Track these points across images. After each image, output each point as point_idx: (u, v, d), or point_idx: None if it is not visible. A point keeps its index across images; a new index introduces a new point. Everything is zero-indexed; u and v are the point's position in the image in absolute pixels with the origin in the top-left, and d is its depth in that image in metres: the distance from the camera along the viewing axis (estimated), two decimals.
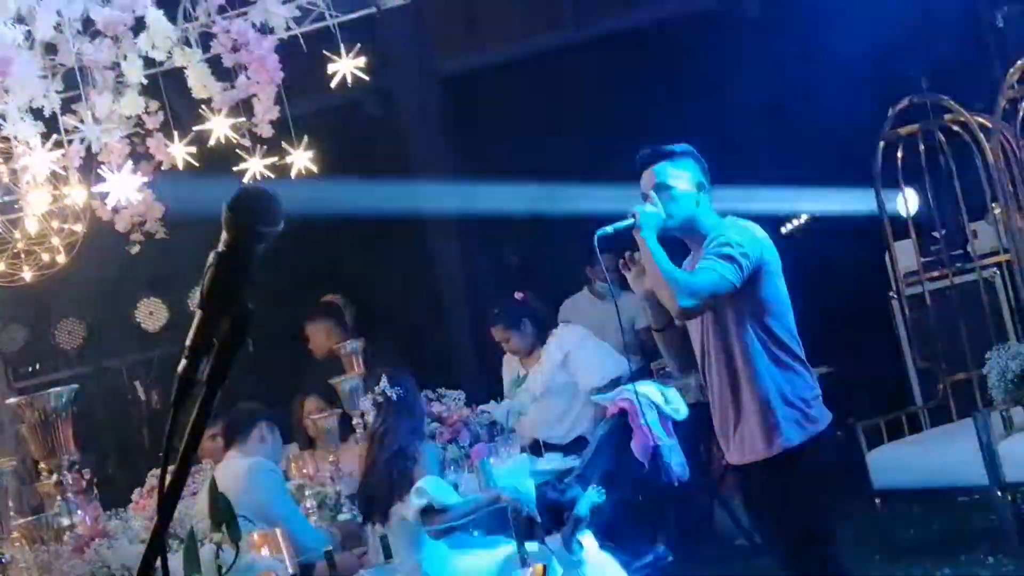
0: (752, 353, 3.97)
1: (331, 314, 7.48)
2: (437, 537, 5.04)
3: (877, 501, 6.48)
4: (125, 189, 4.98)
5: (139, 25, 4.93)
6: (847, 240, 8.57)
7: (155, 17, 4.85)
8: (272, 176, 5.58)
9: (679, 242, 4.16)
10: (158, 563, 1.47)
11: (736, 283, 3.87)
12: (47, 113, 4.89)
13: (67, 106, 5.11)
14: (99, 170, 5.20)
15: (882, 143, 6.85)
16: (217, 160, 5.54)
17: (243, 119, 5.39)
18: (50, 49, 4.97)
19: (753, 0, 9.04)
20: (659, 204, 4.03)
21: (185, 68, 5.19)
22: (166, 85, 5.46)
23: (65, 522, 4.31)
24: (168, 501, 1.48)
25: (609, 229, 3.96)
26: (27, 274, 6.06)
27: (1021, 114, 6.39)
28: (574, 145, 9.15)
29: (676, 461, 6.07)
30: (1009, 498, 5.94)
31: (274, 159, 5.57)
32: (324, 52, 5.28)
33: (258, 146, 5.52)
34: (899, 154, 6.84)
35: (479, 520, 5.24)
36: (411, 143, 9.43)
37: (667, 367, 6.42)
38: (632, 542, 6.64)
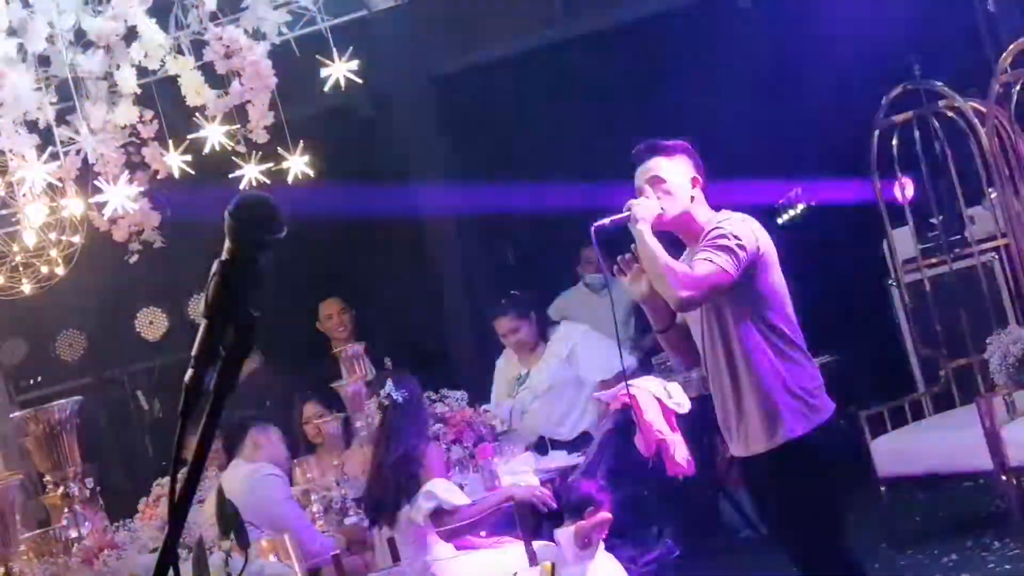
0: (752, 345, 3.97)
1: None
2: (447, 539, 5.04)
3: (882, 489, 6.47)
4: (122, 199, 4.98)
5: (131, 34, 4.93)
6: (845, 229, 8.57)
7: (147, 26, 4.85)
8: (268, 182, 5.58)
9: (675, 241, 4.16)
10: (171, 573, 1.47)
11: (734, 274, 3.87)
12: (42, 125, 4.89)
13: (62, 118, 5.12)
14: (95, 181, 5.20)
15: (877, 131, 6.85)
16: (213, 167, 5.54)
17: (238, 126, 5.39)
18: (43, 61, 4.96)
19: None
20: (653, 198, 4.03)
21: (178, 76, 5.18)
22: (160, 94, 5.47)
23: (73, 534, 4.31)
24: (179, 511, 1.48)
25: (606, 221, 3.97)
26: (26, 287, 6.07)
27: (1015, 98, 6.38)
28: (569, 142, 9.15)
29: (680, 455, 6.08)
30: (1014, 482, 5.94)
31: (270, 164, 5.57)
32: (317, 56, 5.28)
33: (253, 152, 5.52)
34: (894, 142, 6.84)
35: (485, 520, 5.24)
36: (405, 144, 9.42)
37: (669, 361, 6.45)
38: (638, 537, 6.65)
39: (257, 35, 5.28)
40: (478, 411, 6.41)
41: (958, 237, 7.23)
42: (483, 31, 9.20)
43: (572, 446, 6.54)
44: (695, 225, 4.07)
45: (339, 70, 5.24)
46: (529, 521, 5.16)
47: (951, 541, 6.27)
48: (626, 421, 5.98)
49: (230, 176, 5.51)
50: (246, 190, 5.27)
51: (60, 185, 5.36)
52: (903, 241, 7.15)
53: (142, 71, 5.08)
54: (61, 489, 4.44)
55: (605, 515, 4.75)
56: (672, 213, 4.05)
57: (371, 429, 5.95)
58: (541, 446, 6.66)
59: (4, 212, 5.87)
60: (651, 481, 6.79)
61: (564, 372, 6.78)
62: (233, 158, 5.48)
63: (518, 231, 9.83)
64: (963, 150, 6.70)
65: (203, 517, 4.92)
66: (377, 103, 9.32)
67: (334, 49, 5.28)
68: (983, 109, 6.46)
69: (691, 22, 8.79)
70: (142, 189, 5.58)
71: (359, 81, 5.33)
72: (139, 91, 5.16)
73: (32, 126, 4.89)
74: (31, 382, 9.17)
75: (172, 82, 5.25)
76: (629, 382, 5.84)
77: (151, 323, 9.31)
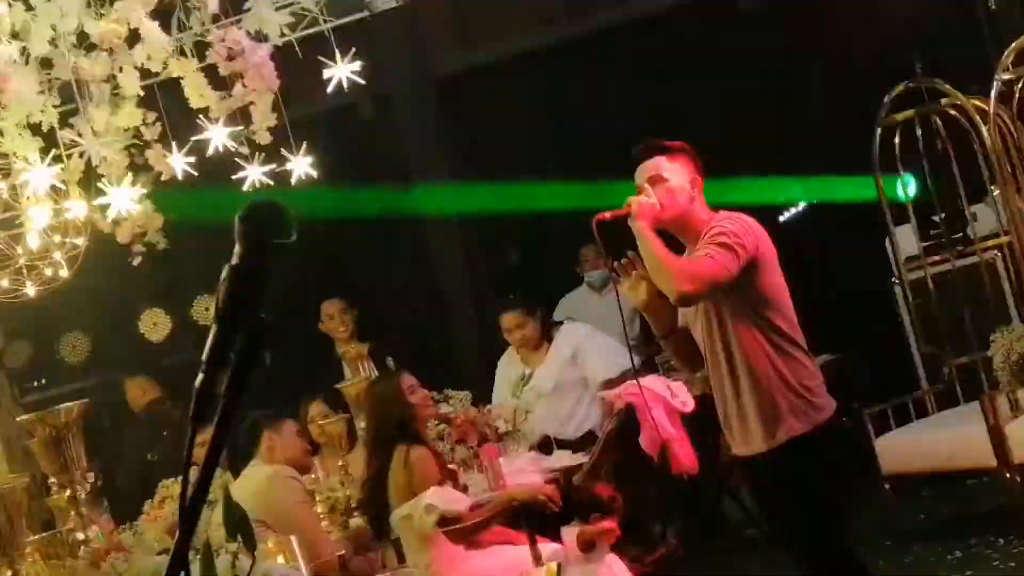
0: (752, 344, 3.98)
1: None
2: (456, 542, 5.04)
3: (886, 487, 6.48)
4: (125, 201, 4.99)
5: (134, 37, 4.93)
6: (847, 227, 8.57)
7: (150, 28, 4.85)
8: (272, 183, 5.58)
9: (674, 243, 4.16)
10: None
11: (733, 271, 3.89)
12: (45, 128, 4.89)
13: (65, 120, 5.11)
14: (99, 183, 5.20)
15: (879, 129, 6.85)
16: (216, 169, 5.54)
17: (241, 127, 5.39)
18: (46, 64, 4.96)
19: None
20: (653, 196, 4.05)
21: (181, 78, 5.18)
22: (163, 96, 5.47)
23: (80, 537, 4.32)
24: (190, 515, 1.49)
25: (607, 215, 3.98)
26: (30, 289, 6.07)
27: (1017, 96, 6.38)
28: (571, 142, 9.15)
29: (684, 454, 6.09)
30: (1018, 479, 5.94)
31: (273, 166, 5.57)
32: (319, 58, 5.28)
33: (257, 154, 5.52)
34: (897, 139, 6.84)
35: (491, 521, 5.24)
36: (407, 144, 9.43)
37: (673, 360, 6.46)
38: (643, 535, 6.66)
39: (260, 36, 5.27)
40: (482, 411, 6.42)
41: (961, 235, 7.24)
42: (485, 32, 9.20)
43: (577, 445, 6.54)
44: (694, 225, 4.09)
45: (342, 71, 5.24)
46: (534, 522, 5.15)
47: (956, 538, 6.28)
48: (631, 420, 5.98)
49: (233, 178, 5.51)
50: (257, 195, 5.27)
51: (63, 188, 5.36)
52: (906, 239, 7.15)
53: (145, 73, 5.08)
54: (67, 491, 4.44)
55: (608, 525, 4.74)
56: (671, 212, 4.06)
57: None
58: (546, 446, 6.66)
59: (7, 215, 5.87)
60: (656, 480, 6.80)
61: (569, 372, 6.78)
62: (236, 160, 5.48)
63: (520, 232, 9.84)
64: (965, 148, 6.70)
65: (211, 519, 4.93)
66: (379, 104, 9.33)
67: (336, 50, 5.28)
68: (985, 107, 6.46)
69: (693, 22, 8.79)
70: (145, 191, 5.58)
71: (361, 82, 5.33)
72: (142, 93, 5.15)
73: (35, 129, 4.88)
74: (35, 384, 9.19)
75: (175, 84, 5.25)
76: (633, 381, 5.85)
77: (155, 325, 9.32)
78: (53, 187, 5.05)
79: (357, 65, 5.26)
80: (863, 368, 8.20)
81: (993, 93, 6.38)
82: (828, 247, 8.81)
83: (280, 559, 3.77)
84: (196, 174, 5.45)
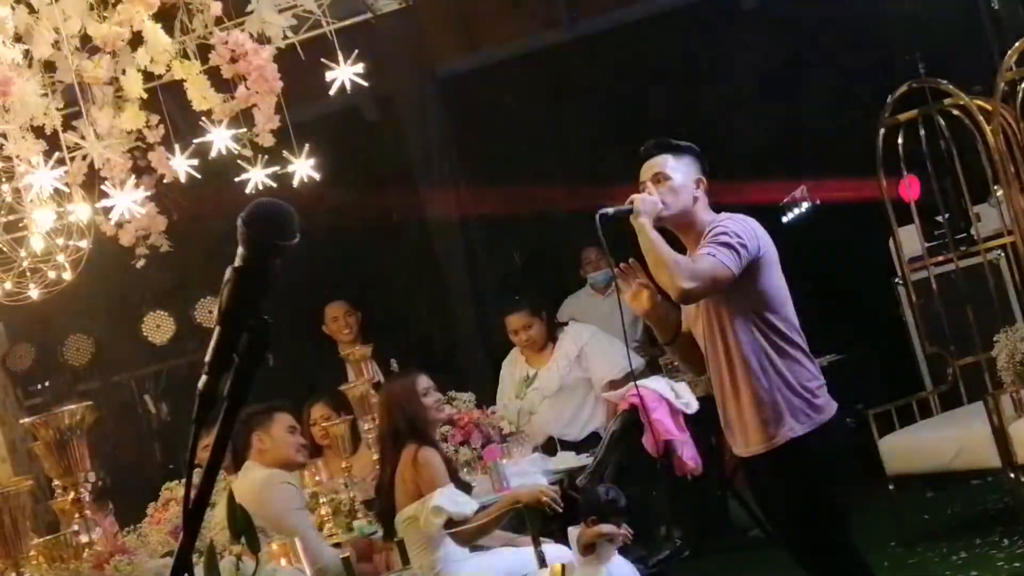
0: (753, 345, 3.98)
1: None
2: (460, 543, 5.04)
3: (890, 487, 6.48)
4: (128, 203, 4.99)
5: (137, 39, 4.93)
6: (851, 227, 8.57)
7: (152, 31, 4.84)
8: (274, 185, 5.58)
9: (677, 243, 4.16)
10: None
11: (735, 271, 3.88)
12: (48, 131, 4.89)
13: (68, 123, 5.12)
14: (102, 186, 5.20)
15: (883, 129, 6.85)
16: (218, 171, 5.55)
17: (244, 130, 5.39)
18: (49, 67, 4.96)
19: None
20: (655, 194, 4.05)
21: (184, 81, 5.18)
22: (165, 98, 5.47)
23: (84, 539, 4.31)
24: (193, 517, 1.49)
25: (610, 210, 3.97)
26: (34, 292, 6.07)
27: (1021, 96, 6.38)
28: (574, 143, 9.16)
29: (688, 455, 6.09)
30: (1022, 479, 5.94)
31: (276, 168, 5.57)
32: (322, 60, 5.28)
33: (259, 156, 5.52)
34: (900, 140, 6.84)
35: (495, 522, 5.23)
36: (411, 146, 9.44)
37: (676, 362, 6.46)
38: (647, 537, 6.66)
39: (262, 39, 5.27)
40: (486, 412, 6.42)
41: (964, 235, 7.23)
42: (488, 33, 9.21)
43: (581, 447, 6.54)
44: (696, 225, 4.08)
45: (345, 73, 5.23)
46: (538, 523, 5.15)
47: (960, 539, 6.27)
48: (635, 421, 5.99)
49: (236, 180, 5.52)
50: (261, 197, 5.26)
51: (67, 190, 5.37)
52: (909, 239, 7.15)
53: (148, 76, 5.08)
54: (72, 494, 4.44)
55: (601, 529, 4.73)
56: (674, 210, 4.06)
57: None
58: (550, 447, 6.66)
59: (11, 218, 5.88)
60: (660, 481, 6.81)
61: (573, 373, 6.79)
62: (239, 162, 5.48)
63: (523, 233, 9.84)
64: (969, 148, 6.70)
65: (214, 521, 4.93)
66: (382, 106, 9.33)
67: (339, 52, 5.28)
68: (989, 107, 6.46)
69: (696, 23, 8.80)
70: (148, 193, 5.58)
71: (364, 84, 5.33)
72: (145, 96, 5.16)
73: (38, 132, 4.89)
74: (38, 387, 9.19)
75: (178, 86, 5.25)
76: (637, 382, 5.85)
77: (158, 327, 9.32)
78: (56, 190, 5.05)
79: (360, 67, 5.26)
80: (867, 369, 8.20)
81: (996, 93, 6.38)
82: (832, 247, 8.80)
83: (283, 562, 3.77)
84: (199, 176, 5.46)
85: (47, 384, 9.18)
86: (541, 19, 9.11)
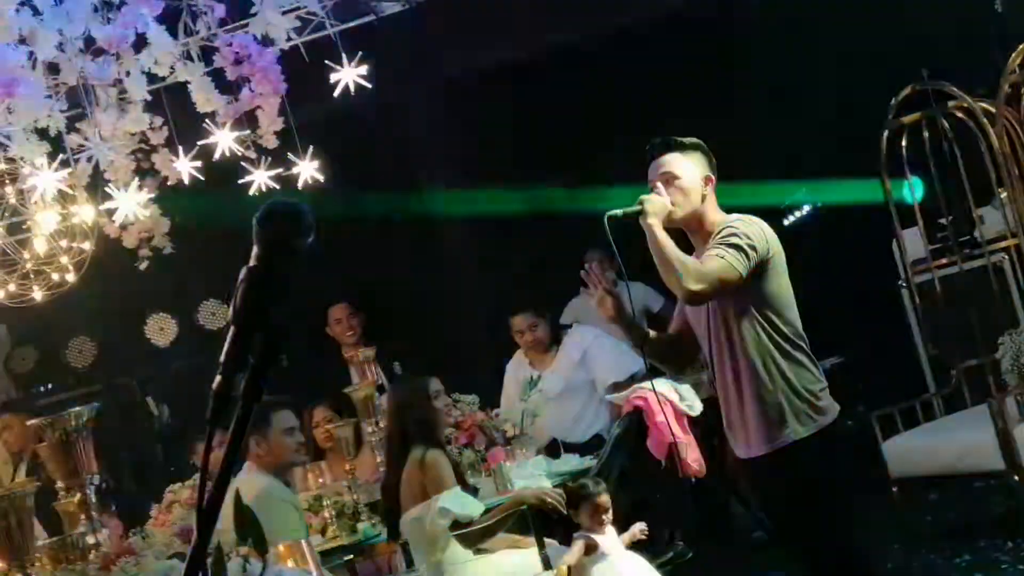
0: (756, 347, 3.97)
1: None
2: (465, 545, 5.03)
3: (894, 490, 6.47)
4: (132, 206, 4.99)
5: (141, 41, 4.93)
6: (854, 230, 8.56)
7: (156, 33, 4.85)
8: (278, 187, 5.58)
9: (685, 241, 4.15)
10: None
11: (743, 273, 3.87)
12: (52, 133, 4.89)
13: (72, 125, 5.12)
14: (106, 188, 5.21)
15: (886, 132, 6.84)
16: (222, 173, 5.55)
17: (248, 131, 5.39)
18: (53, 69, 4.96)
19: None
20: (665, 194, 4.04)
21: (188, 83, 5.19)
22: (169, 100, 5.47)
23: (90, 541, 4.31)
24: (207, 518, 1.48)
25: (618, 212, 3.97)
26: (37, 294, 6.08)
27: None
28: (578, 146, 9.14)
29: (692, 457, 6.08)
30: None
31: (279, 170, 5.57)
32: (326, 62, 5.28)
33: (263, 158, 5.52)
34: (903, 142, 6.84)
35: (499, 525, 5.24)
36: (415, 148, 9.43)
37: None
38: (650, 539, 6.65)
39: (266, 41, 5.28)
40: (489, 415, 6.41)
41: (968, 237, 7.23)
42: (491, 35, 9.19)
43: (585, 449, 6.53)
44: (705, 224, 4.07)
45: (349, 75, 5.24)
46: (541, 525, 5.15)
47: (964, 541, 6.27)
48: (638, 424, 5.98)
49: (240, 182, 5.52)
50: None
51: (71, 192, 5.37)
52: (913, 241, 7.15)
53: (152, 78, 5.09)
54: (78, 496, 4.44)
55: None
56: (683, 210, 4.05)
57: (381, 434, 5.96)
58: (553, 449, 6.65)
59: (15, 219, 5.89)
60: (663, 483, 6.79)
61: (577, 375, 6.78)
62: (243, 164, 5.48)
63: (527, 235, 9.82)
64: (972, 150, 6.70)
65: (221, 522, 4.91)
66: (386, 107, 9.32)
67: (343, 54, 5.28)
68: (992, 109, 6.46)
69: (699, 24, 8.78)
70: (152, 195, 5.59)
71: (368, 86, 5.33)
72: (149, 98, 5.16)
73: (43, 133, 4.89)
74: (41, 389, 9.18)
75: (182, 89, 5.25)
76: (641, 384, 5.84)
77: (161, 329, 9.32)
78: (60, 192, 5.05)
79: (363, 69, 5.26)
80: (870, 371, 8.19)
81: (1000, 95, 6.38)
82: (835, 250, 8.79)
83: (290, 563, 3.77)
84: (203, 178, 5.46)
85: (49, 386, 9.18)
86: (546, 21, 9.10)
